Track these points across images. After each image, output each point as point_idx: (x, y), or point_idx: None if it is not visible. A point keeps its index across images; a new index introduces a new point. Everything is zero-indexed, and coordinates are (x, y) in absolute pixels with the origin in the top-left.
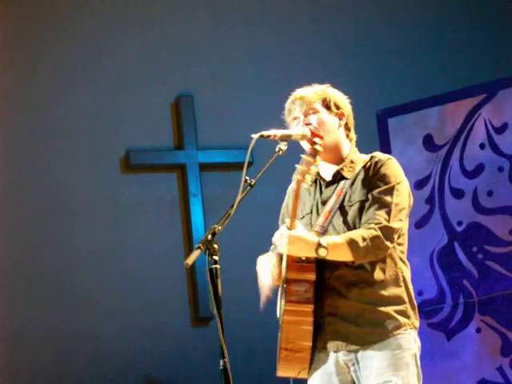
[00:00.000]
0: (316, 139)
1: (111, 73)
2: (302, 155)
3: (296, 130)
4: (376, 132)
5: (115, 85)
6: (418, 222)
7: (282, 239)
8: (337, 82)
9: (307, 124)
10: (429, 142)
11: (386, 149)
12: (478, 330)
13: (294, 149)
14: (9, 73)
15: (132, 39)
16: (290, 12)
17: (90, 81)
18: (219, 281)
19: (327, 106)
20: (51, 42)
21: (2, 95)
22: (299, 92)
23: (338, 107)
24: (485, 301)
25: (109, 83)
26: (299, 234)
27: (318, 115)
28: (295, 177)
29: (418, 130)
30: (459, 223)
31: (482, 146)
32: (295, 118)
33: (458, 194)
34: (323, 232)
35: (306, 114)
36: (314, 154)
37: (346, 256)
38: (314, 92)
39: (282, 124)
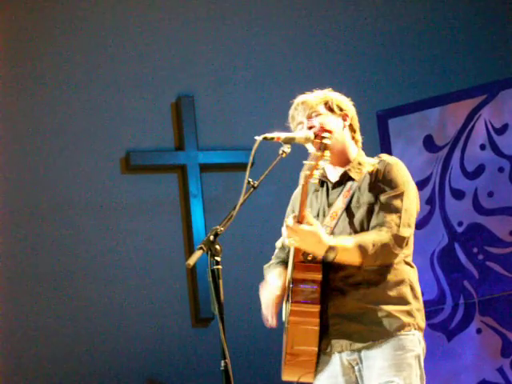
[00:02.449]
0: (325, 134)
1: (111, 73)
2: (311, 151)
3: (300, 132)
4: (377, 133)
5: (115, 85)
6: (419, 223)
7: (291, 231)
8: (337, 82)
9: (311, 127)
10: (429, 143)
11: (386, 149)
12: (479, 331)
13: (296, 151)
14: (9, 73)
15: (132, 40)
16: (290, 13)
17: (90, 81)
18: (221, 281)
19: (330, 109)
20: (51, 42)
21: (3, 96)
22: (301, 98)
23: (341, 109)
24: (485, 302)
25: (109, 84)
26: (314, 230)
27: (321, 117)
28: (303, 172)
29: (419, 130)
30: (460, 224)
31: (482, 147)
32: (299, 123)
33: (458, 194)
34: (329, 233)
35: (309, 118)
36: (324, 148)
37: (354, 260)
38: (315, 96)
39: (283, 125)
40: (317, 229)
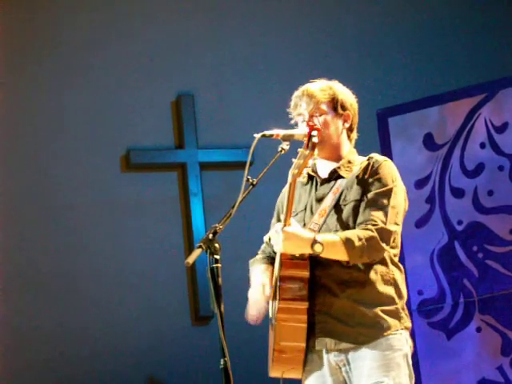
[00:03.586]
0: (313, 132)
1: (112, 72)
2: (300, 149)
3: (298, 129)
4: (376, 131)
5: (116, 84)
6: (419, 222)
7: (277, 236)
8: (338, 81)
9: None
10: (429, 142)
11: (386, 148)
12: (479, 330)
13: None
14: (9, 72)
15: (132, 38)
16: (290, 12)
17: (90, 80)
18: (220, 280)
19: (334, 107)
20: (51, 41)
21: (2, 94)
22: (308, 87)
23: (344, 108)
24: (485, 300)
25: (109, 82)
26: (295, 231)
27: (323, 117)
28: (292, 171)
29: (419, 129)
30: (459, 222)
31: (482, 146)
32: (300, 114)
33: (458, 193)
34: (317, 230)
35: (311, 114)
36: (312, 147)
37: (341, 255)
38: (322, 90)
39: (283, 123)
40: (296, 227)
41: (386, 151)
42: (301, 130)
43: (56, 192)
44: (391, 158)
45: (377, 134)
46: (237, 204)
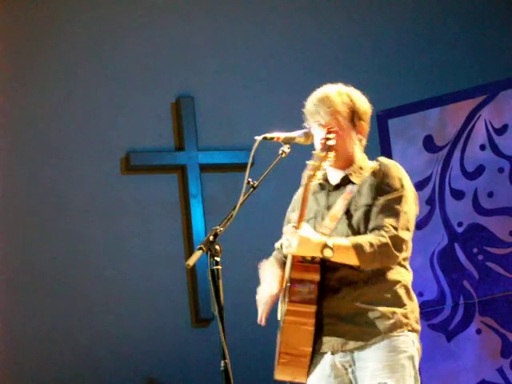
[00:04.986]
0: (329, 135)
1: (111, 74)
2: (314, 151)
3: (299, 132)
4: (376, 133)
5: (116, 86)
6: (419, 223)
7: (289, 239)
8: (337, 83)
9: (324, 137)
10: (429, 143)
11: (386, 150)
12: (478, 331)
13: (296, 150)
14: (9, 74)
15: (132, 40)
16: (290, 12)
17: (90, 82)
18: (220, 282)
19: (351, 119)
20: (51, 42)
21: (3, 96)
22: (328, 95)
23: (360, 119)
24: (485, 302)
25: (109, 84)
26: (307, 234)
27: (340, 130)
28: (306, 173)
29: (419, 130)
30: (459, 224)
31: (482, 147)
32: (317, 121)
33: (458, 195)
34: (328, 234)
35: (327, 125)
36: (327, 148)
37: (351, 260)
38: (344, 102)
39: (282, 124)
40: (307, 230)
41: (386, 153)
42: (301, 133)
43: (56, 194)
44: None
45: (377, 136)
46: (238, 206)
